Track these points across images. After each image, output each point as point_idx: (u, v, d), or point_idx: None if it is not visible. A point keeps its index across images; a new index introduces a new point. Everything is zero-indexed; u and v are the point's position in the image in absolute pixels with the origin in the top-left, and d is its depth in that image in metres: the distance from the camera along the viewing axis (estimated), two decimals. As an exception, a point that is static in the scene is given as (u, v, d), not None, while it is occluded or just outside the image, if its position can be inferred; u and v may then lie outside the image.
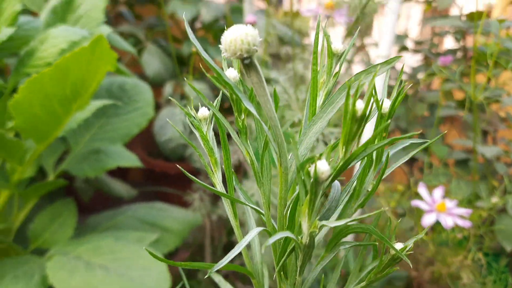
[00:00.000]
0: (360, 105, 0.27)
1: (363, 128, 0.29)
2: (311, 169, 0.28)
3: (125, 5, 2.02)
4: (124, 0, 1.99)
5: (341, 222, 0.29)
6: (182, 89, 1.66)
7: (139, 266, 1.00)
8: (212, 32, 1.82)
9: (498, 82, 1.17)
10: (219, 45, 0.30)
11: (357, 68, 1.64)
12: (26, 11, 1.14)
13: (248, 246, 0.45)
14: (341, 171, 0.30)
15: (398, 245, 0.33)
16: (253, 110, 0.32)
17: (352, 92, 0.29)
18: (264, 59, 1.28)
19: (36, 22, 1.01)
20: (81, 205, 1.54)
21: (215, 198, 1.47)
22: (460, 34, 1.35)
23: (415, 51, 1.51)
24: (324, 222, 0.29)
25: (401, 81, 0.35)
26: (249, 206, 0.39)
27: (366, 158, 0.36)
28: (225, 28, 0.30)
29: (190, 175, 0.39)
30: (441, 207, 0.91)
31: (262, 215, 0.40)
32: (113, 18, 2.00)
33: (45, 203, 1.26)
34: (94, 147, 1.23)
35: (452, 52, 1.45)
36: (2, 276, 0.95)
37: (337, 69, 0.40)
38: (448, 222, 0.87)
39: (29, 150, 0.97)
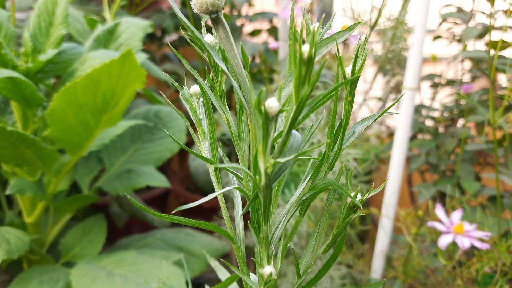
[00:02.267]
0: (305, 48, 0.31)
1: (312, 71, 0.32)
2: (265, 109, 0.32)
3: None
4: (169, 42, 2.12)
5: (290, 157, 0.31)
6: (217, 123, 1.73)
7: (158, 278, 1.02)
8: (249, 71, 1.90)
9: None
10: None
11: (388, 104, 1.66)
12: (72, 40, 1.25)
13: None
14: (296, 116, 0.33)
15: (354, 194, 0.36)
16: (223, 65, 0.36)
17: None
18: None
19: (79, 48, 1.11)
20: (115, 231, 1.60)
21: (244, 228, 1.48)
22: (489, 69, 1.35)
23: (447, 86, 1.52)
24: (277, 159, 0.32)
25: (362, 48, 0.38)
26: (229, 170, 0.43)
27: (331, 121, 0.39)
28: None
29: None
30: (459, 229, 0.89)
31: (240, 180, 0.43)
32: (159, 58, 2.14)
33: (79, 222, 1.32)
34: (127, 168, 1.29)
35: (486, 90, 1.44)
36: (28, 280, 1.00)
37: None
38: (465, 243, 0.85)
39: (63, 162, 1.04)
